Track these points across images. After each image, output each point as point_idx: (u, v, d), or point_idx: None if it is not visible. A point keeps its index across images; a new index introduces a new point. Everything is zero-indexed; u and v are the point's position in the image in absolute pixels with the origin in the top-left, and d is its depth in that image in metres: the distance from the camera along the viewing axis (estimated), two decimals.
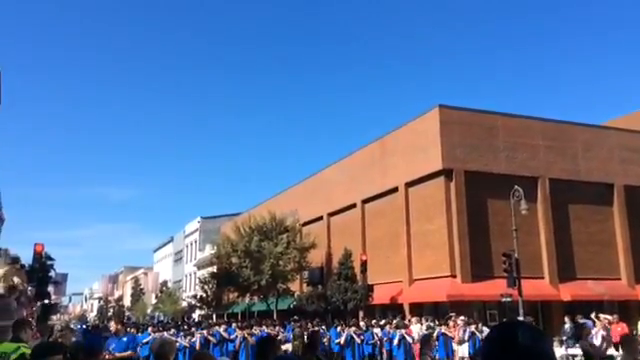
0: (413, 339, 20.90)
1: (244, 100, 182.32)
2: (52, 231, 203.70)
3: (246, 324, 23.76)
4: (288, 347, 20.38)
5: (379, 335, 22.53)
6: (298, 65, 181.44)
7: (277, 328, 24.03)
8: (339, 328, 22.65)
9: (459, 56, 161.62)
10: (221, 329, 22.54)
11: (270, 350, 4.50)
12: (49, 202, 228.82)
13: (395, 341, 20.77)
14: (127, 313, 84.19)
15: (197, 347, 20.35)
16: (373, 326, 23.80)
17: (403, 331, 20.97)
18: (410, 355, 20.55)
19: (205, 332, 21.84)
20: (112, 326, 18.69)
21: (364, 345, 21.82)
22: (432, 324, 22.57)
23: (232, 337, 22.03)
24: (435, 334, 19.41)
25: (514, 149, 31.58)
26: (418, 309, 29.72)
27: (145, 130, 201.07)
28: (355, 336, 21.37)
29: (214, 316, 45.71)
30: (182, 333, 22.28)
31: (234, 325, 23.65)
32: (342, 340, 21.62)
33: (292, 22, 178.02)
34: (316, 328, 21.03)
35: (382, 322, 24.94)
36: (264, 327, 23.37)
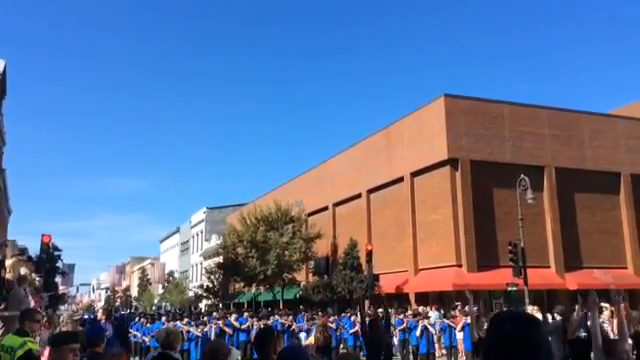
0: (435, 329, 20.50)
1: (249, 90, 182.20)
2: (60, 222, 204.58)
3: (262, 314, 22.97)
4: (310, 340, 18.84)
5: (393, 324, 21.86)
6: (302, 54, 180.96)
7: (289, 318, 23.52)
8: (353, 317, 21.92)
9: (465, 45, 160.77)
10: (232, 318, 22.16)
11: (270, 342, 4.43)
12: (57, 193, 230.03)
13: (417, 332, 20.02)
14: (134, 303, 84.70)
15: (212, 337, 19.94)
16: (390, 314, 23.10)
17: (425, 321, 20.51)
18: (432, 346, 20.20)
19: (220, 322, 21.41)
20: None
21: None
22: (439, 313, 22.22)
23: (243, 327, 21.61)
24: (461, 325, 19.17)
25: (520, 138, 31.47)
26: (423, 299, 29.78)
27: (152, 121, 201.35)
28: None
29: (220, 306, 45.94)
30: (194, 323, 21.90)
31: (246, 314, 23.30)
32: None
33: (296, 9, 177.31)
34: (372, 314, 20.17)
35: (369, 312, 24.75)
36: (277, 317, 22.98)
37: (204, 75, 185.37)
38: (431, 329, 20.25)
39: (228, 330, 21.16)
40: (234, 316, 22.69)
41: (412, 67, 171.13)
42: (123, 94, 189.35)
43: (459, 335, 19.65)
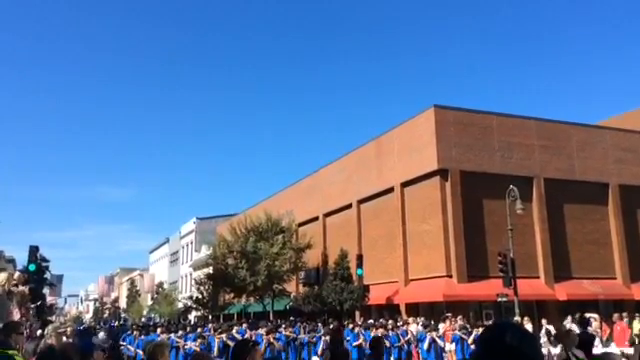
0: (442, 341, 19.93)
1: (239, 101, 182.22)
2: (48, 232, 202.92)
3: (269, 327, 21.15)
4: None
5: (405, 336, 20.99)
6: (292, 65, 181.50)
7: (294, 329, 22.52)
8: (357, 329, 20.99)
9: (455, 56, 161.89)
10: (233, 331, 20.90)
11: (244, 355, 4.34)
12: (45, 203, 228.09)
13: (425, 345, 19.28)
14: (123, 315, 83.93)
15: (215, 352, 18.81)
16: (398, 327, 21.97)
17: (434, 334, 19.93)
18: (441, 358, 19.56)
19: (223, 336, 20.05)
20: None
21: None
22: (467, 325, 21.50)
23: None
24: (471, 338, 18.84)
25: (509, 149, 31.64)
26: (414, 309, 29.72)
27: (141, 130, 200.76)
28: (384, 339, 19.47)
29: (210, 317, 45.58)
30: (192, 335, 20.70)
31: (244, 326, 22.35)
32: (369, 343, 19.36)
33: (286, 20, 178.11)
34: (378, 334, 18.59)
35: (376, 323, 24.62)
36: (282, 329, 22.07)
37: (194, 84, 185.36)
38: (440, 342, 19.72)
39: (232, 344, 19.89)
40: (236, 328, 21.46)
41: (402, 78, 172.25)
42: (111, 103, 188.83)
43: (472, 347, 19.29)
